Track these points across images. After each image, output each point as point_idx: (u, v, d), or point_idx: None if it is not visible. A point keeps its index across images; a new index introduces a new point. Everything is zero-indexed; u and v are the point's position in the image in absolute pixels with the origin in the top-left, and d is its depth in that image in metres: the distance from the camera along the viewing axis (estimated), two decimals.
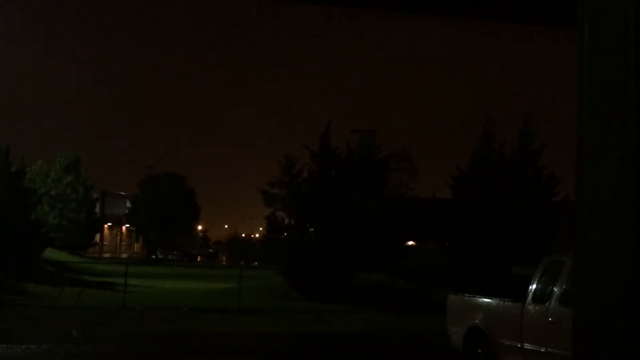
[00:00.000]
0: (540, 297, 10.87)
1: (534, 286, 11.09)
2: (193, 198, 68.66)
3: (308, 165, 30.45)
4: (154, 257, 64.60)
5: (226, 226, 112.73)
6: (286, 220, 30.87)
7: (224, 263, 68.26)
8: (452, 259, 30.05)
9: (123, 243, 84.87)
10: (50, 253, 37.62)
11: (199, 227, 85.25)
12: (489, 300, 12.34)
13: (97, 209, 61.12)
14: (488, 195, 29.06)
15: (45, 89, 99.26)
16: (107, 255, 68.59)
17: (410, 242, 36.51)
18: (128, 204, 70.36)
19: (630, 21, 1.56)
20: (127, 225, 79.73)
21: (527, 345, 10.86)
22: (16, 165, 34.61)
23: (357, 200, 28.84)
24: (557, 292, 10.46)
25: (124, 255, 71.02)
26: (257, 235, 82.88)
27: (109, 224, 78.45)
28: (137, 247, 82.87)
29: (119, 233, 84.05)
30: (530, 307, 11.00)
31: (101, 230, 69.05)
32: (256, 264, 54.76)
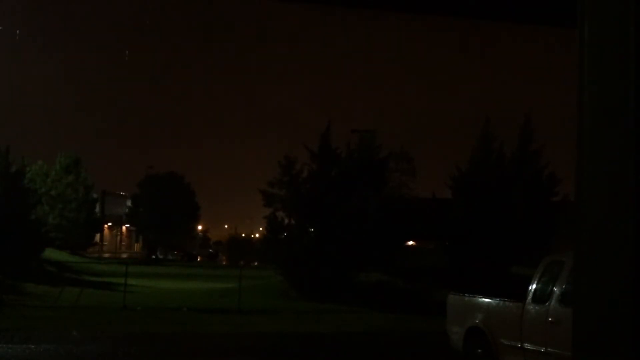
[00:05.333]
0: (540, 297, 10.87)
1: (534, 286, 11.09)
2: (193, 198, 68.63)
3: (308, 165, 30.48)
4: (154, 257, 64.58)
5: (226, 226, 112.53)
6: (286, 220, 30.89)
7: (224, 263, 68.22)
8: (452, 259, 30.06)
9: (123, 243, 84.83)
10: (50, 253, 37.63)
11: (199, 227, 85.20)
12: (489, 300, 12.33)
13: (97, 209, 61.13)
14: (488, 195, 29.06)
15: (45, 89, 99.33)
16: (107, 255, 68.50)
17: (410, 242, 36.49)
18: (128, 204, 70.34)
19: (630, 21, 1.56)
20: (127, 225, 79.72)
21: (527, 345, 10.85)
22: (16, 165, 34.66)
23: (357, 200, 28.83)
24: (557, 292, 10.46)
25: (124, 255, 70.93)
26: (257, 235, 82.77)
27: (109, 224, 78.43)
28: (137, 247, 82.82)
29: (119, 233, 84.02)
30: (530, 307, 10.99)
31: (101, 230, 69.03)
32: (256, 264, 54.71)
